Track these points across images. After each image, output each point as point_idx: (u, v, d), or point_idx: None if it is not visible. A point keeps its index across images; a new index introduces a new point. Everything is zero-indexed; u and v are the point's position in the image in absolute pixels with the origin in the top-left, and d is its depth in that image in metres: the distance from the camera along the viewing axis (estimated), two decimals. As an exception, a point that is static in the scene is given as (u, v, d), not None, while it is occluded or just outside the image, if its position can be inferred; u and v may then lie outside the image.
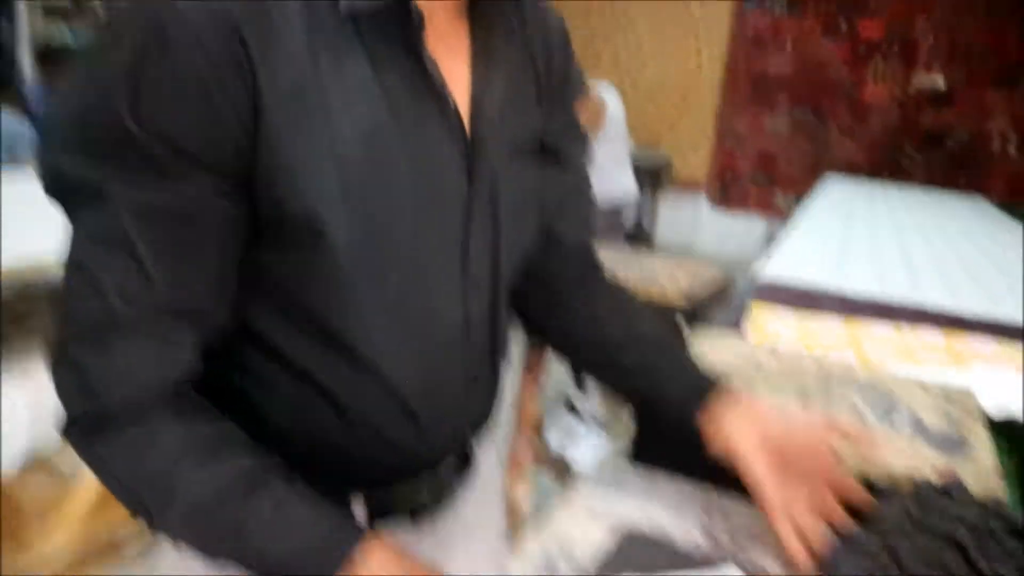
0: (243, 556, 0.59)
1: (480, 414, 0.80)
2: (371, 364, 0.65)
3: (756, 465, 0.73)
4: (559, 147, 0.79)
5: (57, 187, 0.57)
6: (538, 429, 2.01)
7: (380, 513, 0.75)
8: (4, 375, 1.90)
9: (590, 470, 0.87)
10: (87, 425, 0.58)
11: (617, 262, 1.98)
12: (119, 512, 2.12)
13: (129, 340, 0.56)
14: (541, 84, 0.76)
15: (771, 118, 5.54)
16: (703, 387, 0.78)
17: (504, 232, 0.71)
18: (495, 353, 0.78)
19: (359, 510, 0.73)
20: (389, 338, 0.65)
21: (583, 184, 0.87)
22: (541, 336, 0.91)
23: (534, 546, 0.73)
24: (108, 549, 2.10)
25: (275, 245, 0.60)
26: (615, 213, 4.32)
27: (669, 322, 1.76)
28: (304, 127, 0.57)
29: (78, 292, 0.56)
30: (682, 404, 0.79)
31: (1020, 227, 3.31)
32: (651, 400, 0.82)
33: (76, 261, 0.56)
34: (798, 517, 0.71)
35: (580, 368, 0.89)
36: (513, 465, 2.00)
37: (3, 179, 2.36)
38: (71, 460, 2.00)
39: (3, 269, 1.71)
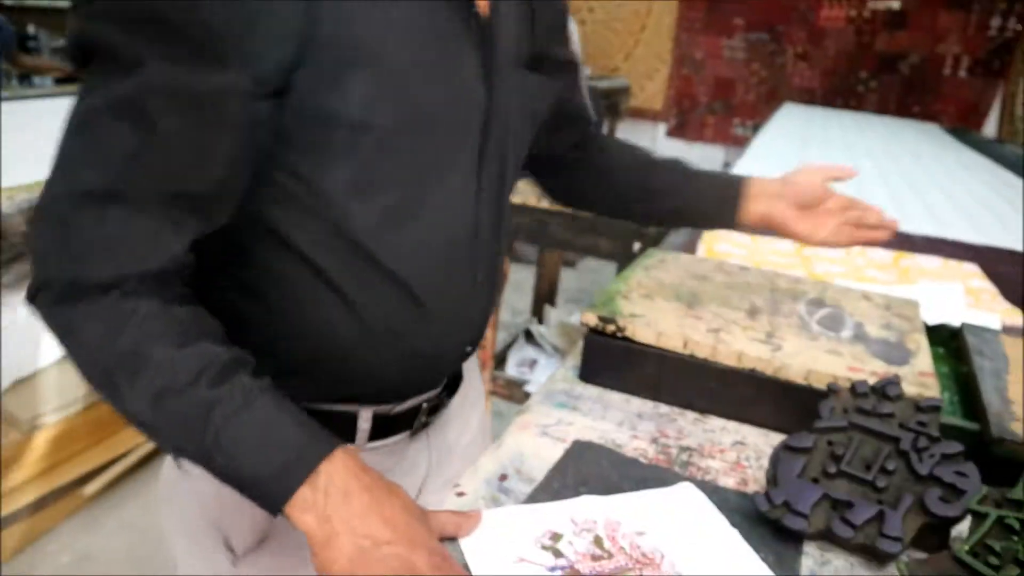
0: (206, 452, 0.57)
1: (480, 322, 0.82)
2: (386, 262, 0.67)
3: (788, 222, 0.92)
4: (551, 54, 0.86)
5: (85, 51, 0.55)
6: (498, 361, 2.03)
7: (383, 431, 0.78)
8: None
9: (543, 390, 0.88)
10: (61, 291, 0.57)
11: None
12: (81, 457, 2.11)
13: (127, 213, 0.56)
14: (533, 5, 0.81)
15: (728, 44, 5.50)
16: (730, 189, 0.96)
17: (512, 140, 0.76)
18: (499, 255, 0.82)
19: (364, 425, 0.76)
20: (405, 238, 0.67)
21: (580, 76, 1.00)
22: (569, 196, 1.06)
23: (487, 463, 0.73)
24: (70, 492, 2.09)
25: (304, 147, 0.61)
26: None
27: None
28: (354, 32, 0.58)
29: (80, 155, 0.56)
30: (720, 206, 0.96)
31: (969, 152, 3.36)
32: (691, 212, 0.99)
33: (85, 123, 0.56)
34: (826, 237, 0.92)
35: (614, 211, 1.04)
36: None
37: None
38: (31, 407, 1.98)
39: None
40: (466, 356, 0.84)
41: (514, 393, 1.95)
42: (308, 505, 0.56)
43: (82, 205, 0.56)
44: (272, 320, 0.69)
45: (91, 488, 2.12)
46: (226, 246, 0.66)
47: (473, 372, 0.96)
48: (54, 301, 0.57)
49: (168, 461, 0.83)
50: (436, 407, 0.84)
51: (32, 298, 0.59)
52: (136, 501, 2.21)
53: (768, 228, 0.94)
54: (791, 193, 0.92)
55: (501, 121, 0.73)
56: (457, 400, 0.89)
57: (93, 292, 0.56)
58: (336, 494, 0.57)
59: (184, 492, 0.80)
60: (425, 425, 0.83)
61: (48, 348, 2.08)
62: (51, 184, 0.57)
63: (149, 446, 2.27)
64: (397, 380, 0.76)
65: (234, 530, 0.78)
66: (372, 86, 0.60)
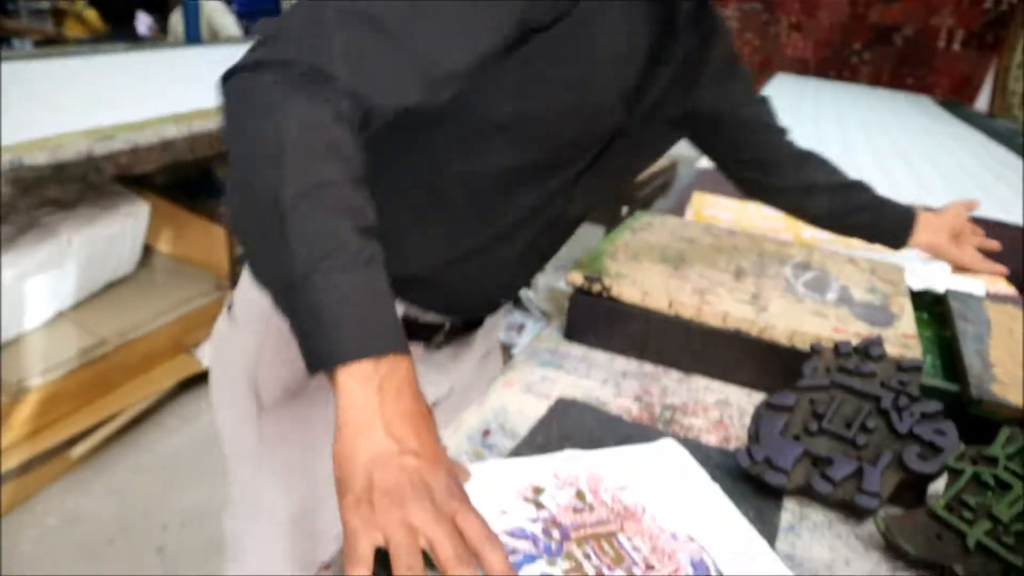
0: (305, 276, 0.56)
1: (528, 276, 0.95)
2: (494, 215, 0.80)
3: (948, 250, 1.14)
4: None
5: None
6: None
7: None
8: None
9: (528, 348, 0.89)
10: (302, 73, 0.58)
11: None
12: (69, 420, 2.11)
13: (389, 48, 0.61)
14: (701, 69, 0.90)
15: (722, 13, 5.46)
16: (907, 219, 1.11)
17: (626, 161, 0.89)
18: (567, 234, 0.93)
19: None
20: (512, 201, 0.80)
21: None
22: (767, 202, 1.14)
23: (470, 418, 0.74)
24: (57, 455, 2.09)
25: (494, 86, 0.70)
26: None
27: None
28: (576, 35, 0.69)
29: (300, 36, 0.60)
30: (897, 230, 1.11)
31: (961, 125, 3.36)
32: (873, 231, 1.13)
33: (312, 16, 0.60)
34: (970, 261, 1.16)
35: (805, 217, 1.14)
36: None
37: None
38: (18, 370, 1.97)
39: None
40: (510, 298, 0.97)
41: (502, 356, 1.95)
42: (364, 378, 0.55)
43: (355, 21, 0.60)
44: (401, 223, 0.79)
45: (79, 451, 2.12)
46: (392, 145, 0.76)
47: (497, 327, 1.07)
48: (285, 79, 0.58)
49: (223, 314, 0.94)
50: (453, 333, 0.92)
51: (250, 68, 0.60)
52: (124, 464, 2.21)
53: (931, 254, 1.16)
54: (947, 225, 1.14)
55: (627, 143, 0.83)
56: (479, 340, 1.00)
57: (329, 87, 0.58)
58: (391, 388, 0.56)
59: (230, 341, 0.90)
60: (439, 347, 0.92)
61: (35, 311, 2.06)
62: (264, 49, 0.60)
63: (137, 410, 2.28)
64: (463, 300, 0.88)
65: (265, 383, 0.87)
66: (575, 70, 0.71)
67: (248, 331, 0.88)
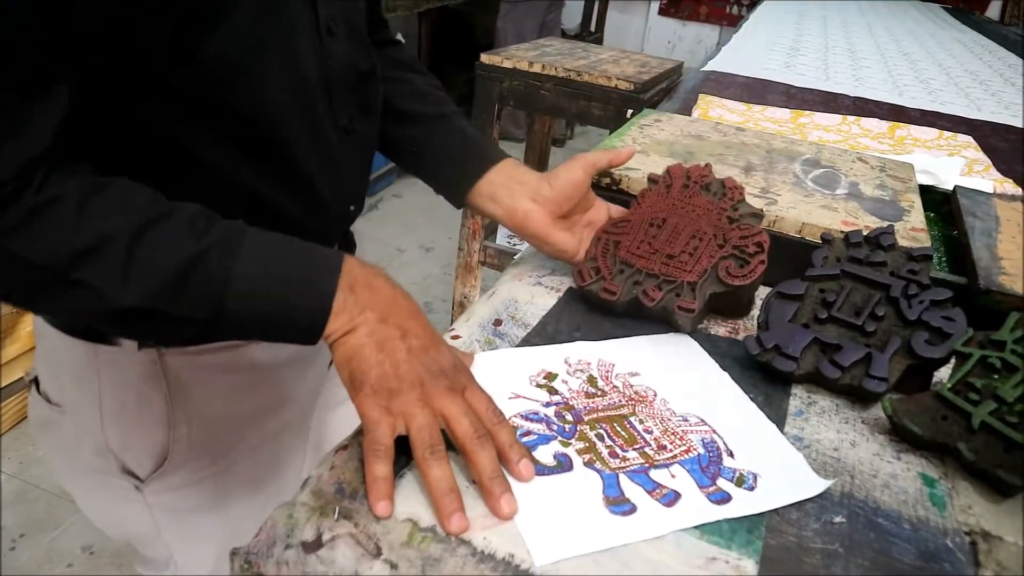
0: (219, 306, 0.53)
1: (358, 178, 0.79)
2: (241, 110, 0.62)
3: (538, 225, 0.76)
4: None
5: None
6: (487, 232, 2.03)
7: None
8: None
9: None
10: None
11: (561, 52, 1.92)
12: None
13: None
14: None
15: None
16: (470, 166, 0.80)
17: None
18: (369, 104, 0.77)
19: None
20: (255, 83, 0.62)
21: None
22: None
23: (481, 309, 0.74)
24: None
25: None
26: (550, 8, 4.21)
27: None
28: None
29: None
30: (450, 183, 0.82)
31: (970, 32, 3.28)
32: (424, 174, 0.84)
33: None
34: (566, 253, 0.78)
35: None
36: (465, 267, 2.03)
37: None
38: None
39: None
40: (350, 218, 0.80)
41: (503, 263, 1.95)
42: (341, 308, 0.55)
43: None
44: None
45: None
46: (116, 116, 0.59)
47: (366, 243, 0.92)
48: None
49: (33, 399, 0.78)
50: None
51: None
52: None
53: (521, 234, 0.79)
54: (549, 205, 0.76)
55: None
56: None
57: (13, 194, 0.49)
58: (363, 289, 0.56)
59: (64, 427, 0.76)
60: None
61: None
62: None
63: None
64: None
65: (129, 454, 0.75)
66: None
67: (79, 408, 0.73)
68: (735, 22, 5.07)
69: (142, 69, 0.56)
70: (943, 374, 0.66)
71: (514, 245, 2.06)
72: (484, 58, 1.85)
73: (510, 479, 0.51)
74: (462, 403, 0.53)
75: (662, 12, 5.93)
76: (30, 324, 1.98)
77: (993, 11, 4.88)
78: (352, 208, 0.79)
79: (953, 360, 0.64)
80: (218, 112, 0.61)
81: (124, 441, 0.74)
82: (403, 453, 0.52)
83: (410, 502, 0.49)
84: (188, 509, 0.80)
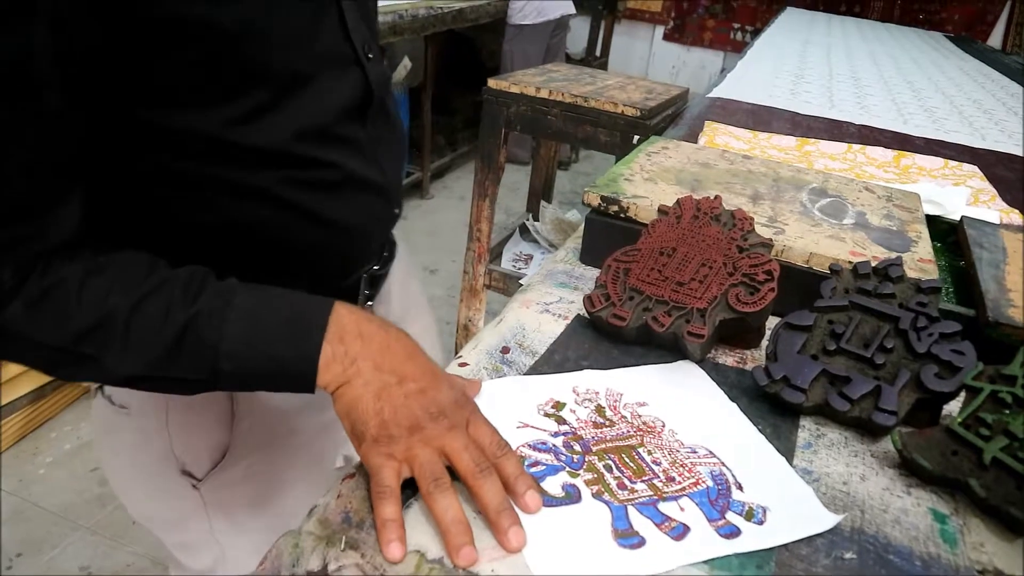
0: (215, 368, 0.57)
1: (398, 178, 0.82)
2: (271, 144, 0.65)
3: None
4: None
5: None
6: (493, 255, 2.03)
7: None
8: None
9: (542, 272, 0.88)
10: None
11: (568, 77, 1.93)
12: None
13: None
14: None
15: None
16: None
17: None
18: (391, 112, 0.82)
19: None
20: (284, 120, 0.64)
21: None
22: None
23: (488, 336, 0.74)
24: (68, 383, 2.11)
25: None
26: (555, 32, 4.25)
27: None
28: None
29: None
30: None
31: (973, 60, 3.30)
32: None
33: None
34: None
35: None
36: (470, 290, 2.03)
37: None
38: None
39: None
40: (393, 219, 0.84)
41: (509, 286, 1.95)
42: (331, 359, 0.56)
43: None
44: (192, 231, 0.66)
45: (87, 378, 2.13)
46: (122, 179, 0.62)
47: (401, 243, 0.95)
48: None
49: (97, 402, 0.80)
50: (376, 279, 0.85)
51: None
52: (132, 392, 2.24)
53: None
54: None
55: None
56: (395, 269, 0.91)
57: (12, 289, 0.53)
58: (352, 339, 0.57)
59: (128, 429, 0.78)
60: (369, 299, 0.84)
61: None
62: None
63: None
64: (331, 256, 0.75)
65: (190, 453, 0.78)
66: None
67: (141, 411, 0.77)
68: (739, 48, 5.11)
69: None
70: (953, 407, 0.66)
71: (519, 269, 2.06)
72: (491, 83, 1.86)
73: (517, 510, 0.50)
74: (464, 438, 0.53)
75: (667, 37, 5.98)
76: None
77: (995, 39, 4.91)
78: (396, 211, 0.83)
79: (963, 394, 0.63)
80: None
81: (187, 440, 0.77)
82: (408, 487, 0.51)
83: (416, 532, 0.48)
84: (241, 505, 0.82)
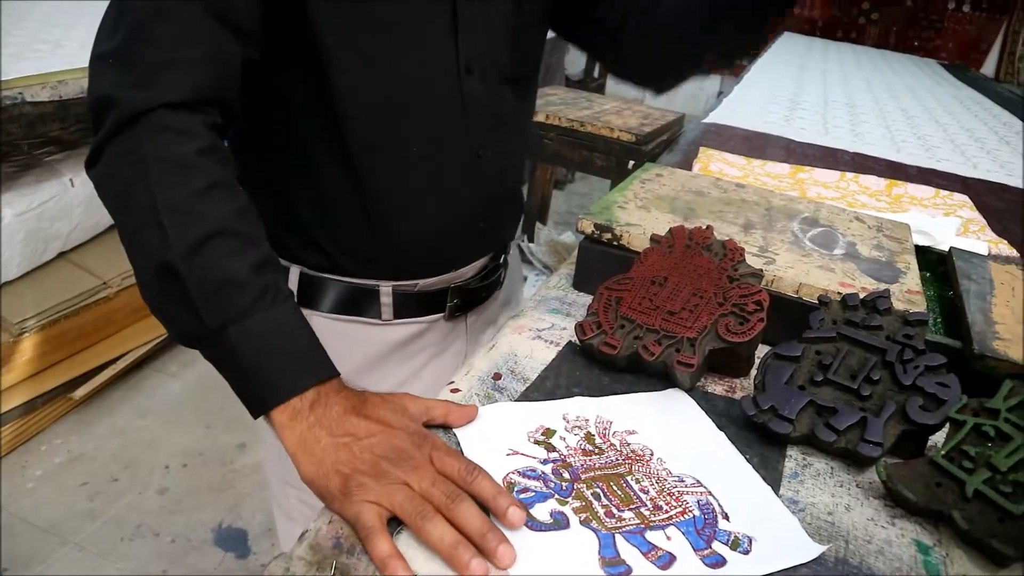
0: (220, 327, 0.59)
1: (487, 201, 0.89)
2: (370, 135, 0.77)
3: None
4: None
5: None
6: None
7: (407, 309, 0.87)
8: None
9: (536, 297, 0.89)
10: (130, 118, 0.60)
11: (565, 101, 1.95)
12: (71, 361, 2.12)
13: (178, 31, 0.62)
14: None
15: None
16: None
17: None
18: (510, 134, 0.90)
19: (386, 300, 0.85)
20: (386, 108, 0.77)
21: None
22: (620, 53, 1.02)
23: (480, 363, 0.74)
24: (60, 396, 2.11)
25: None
26: (553, 52, 4.28)
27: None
28: None
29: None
30: None
31: (966, 88, 3.34)
32: None
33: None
34: None
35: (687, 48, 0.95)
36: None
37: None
38: (20, 311, 1.97)
39: None
40: (478, 237, 0.90)
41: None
42: (295, 413, 0.58)
43: (137, 30, 0.62)
44: (284, 190, 0.80)
45: (81, 392, 2.13)
46: (256, 123, 0.77)
47: (516, 271, 1.03)
48: (119, 131, 0.61)
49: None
50: (470, 294, 0.91)
51: (97, 151, 0.63)
52: (126, 407, 2.23)
53: None
54: None
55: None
56: (502, 295, 0.98)
57: (159, 114, 0.61)
58: (321, 407, 0.59)
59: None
60: (460, 310, 0.91)
61: (37, 252, 2.06)
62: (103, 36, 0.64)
63: (139, 353, 2.29)
64: (403, 256, 0.84)
65: None
66: None
67: None
68: (737, 71, 5.15)
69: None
70: (938, 438, 0.67)
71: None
72: (489, 105, 1.88)
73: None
74: (431, 474, 0.54)
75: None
76: (28, 352, 1.98)
77: (989, 67, 4.96)
78: (482, 225, 0.90)
79: (948, 425, 0.64)
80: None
81: None
82: (392, 519, 0.52)
83: (407, 556, 0.49)
84: None
